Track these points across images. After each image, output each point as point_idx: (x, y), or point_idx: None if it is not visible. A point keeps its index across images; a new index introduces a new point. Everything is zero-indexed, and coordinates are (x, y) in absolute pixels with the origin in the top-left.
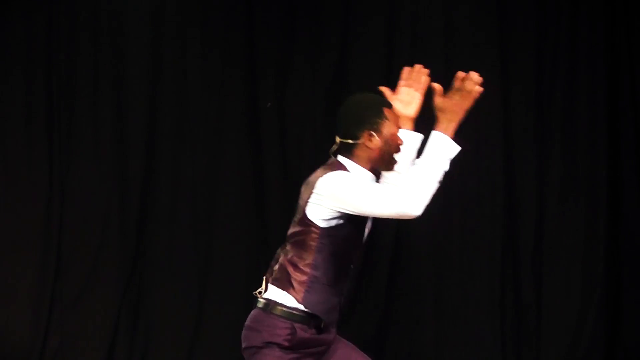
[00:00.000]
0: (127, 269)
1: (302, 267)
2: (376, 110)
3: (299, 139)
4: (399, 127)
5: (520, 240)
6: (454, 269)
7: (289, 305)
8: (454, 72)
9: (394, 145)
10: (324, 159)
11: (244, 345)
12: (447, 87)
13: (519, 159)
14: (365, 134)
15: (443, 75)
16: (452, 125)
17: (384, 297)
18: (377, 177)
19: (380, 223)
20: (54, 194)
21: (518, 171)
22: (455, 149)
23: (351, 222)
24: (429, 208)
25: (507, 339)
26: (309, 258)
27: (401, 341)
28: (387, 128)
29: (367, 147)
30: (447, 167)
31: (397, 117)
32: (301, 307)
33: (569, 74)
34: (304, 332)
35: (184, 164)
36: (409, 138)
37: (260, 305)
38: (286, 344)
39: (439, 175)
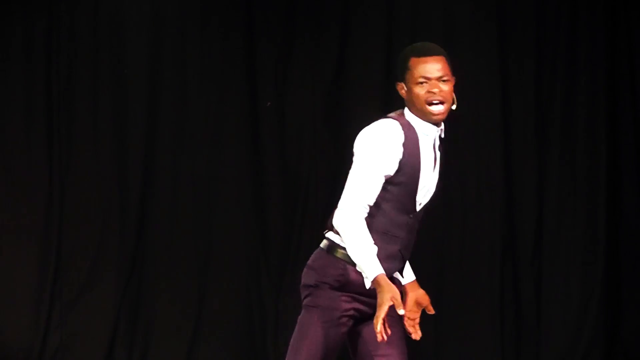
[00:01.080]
0: (127, 269)
1: None
2: (403, 59)
3: (299, 139)
4: (428, 78)
5: (519, 240)
6: (454, 268)
7: (344, 247)
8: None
9: (419, 96)
10: (323, 158)
11: (302, 282)
12: None
13: (519, 159)
14: (398, 85)
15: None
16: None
17: None
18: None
19: None
20: (53, 193)
21: (517, 171)
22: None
23: (402, 177)
24: (429, 209)
25: (506, 338)
26: None
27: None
28: (409, 77)
29: (403, 97)
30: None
31: (422, 72)
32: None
33: (568, 75)
34: (358, 275)
35: (183, 164)
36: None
37: (321, 245)
38: (336, 284)
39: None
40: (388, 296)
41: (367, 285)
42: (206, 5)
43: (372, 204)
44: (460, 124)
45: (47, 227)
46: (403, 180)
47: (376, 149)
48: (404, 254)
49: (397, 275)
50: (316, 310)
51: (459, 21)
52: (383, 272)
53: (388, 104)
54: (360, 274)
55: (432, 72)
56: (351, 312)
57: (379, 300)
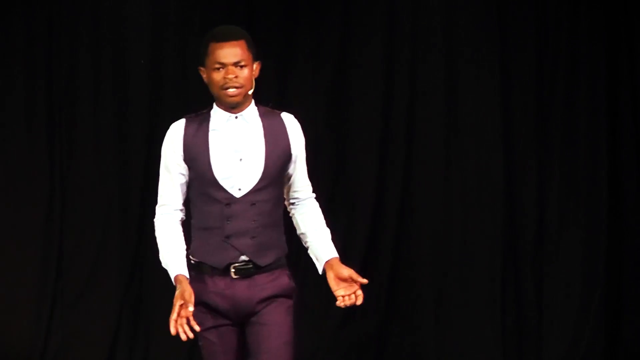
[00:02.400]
0: (128, 269)
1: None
2: (203, 44)
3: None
4: (223, 64)
5: (521, 240)
6: (455, 269)
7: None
8: (454, 73)
9: (215, 81)
10: (324, 158)
11: None
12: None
13: (519, 159)
14: (200, 70)
15: (443, 76)
16: None
17: (385, 297)
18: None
19: (380, 223)
20: (54, 193)
21: (518, 172)
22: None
23: (194, 170)
24: (430, 208)
25: (508, 338)
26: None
27: (402, 340)
28: (208, 62)
29: (206, 82)
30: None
31: (218, 57)
32: (190, 257)
33: (569, 76)
34: (199, 281)
35: None
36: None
37: None
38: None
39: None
40: (176, 296)
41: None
42: (206, 6)
43: (176, 204)
44: (460, 124)
45: (48, 228)
46: (197, 172)
47: (163, 153)
48: (235, 243)
49: (314, 256)
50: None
51: (460, 20)
52: (181, 273)
53: (389, 103)
54: (198, 283)
55: (228, 57)
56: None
57: (178, 293)
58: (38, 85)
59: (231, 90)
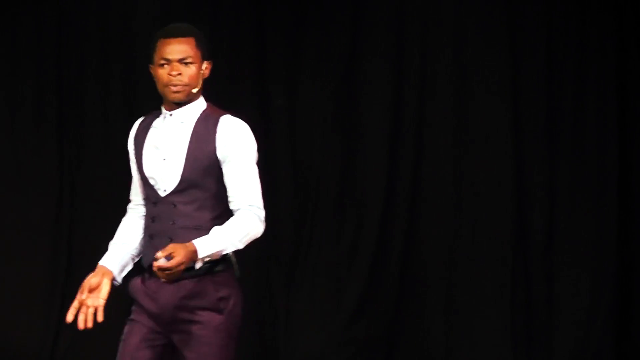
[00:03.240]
0: (137, 265)
1: None
2: (153, 40)
3: (309, 137)
4: (168, 60)
5: (531, 238)
6: (465, 267)
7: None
8: (464, 72)
9: (160, 78)
10: (334, 156)
11: None
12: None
13: (529, 156)
14: (150, 67)
15: (453, 75)
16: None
17: (394, 296)
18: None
19: (390, 222)
20: (64, 191)
21: (528, 169)
22: None
23: (137, 170)
24: (440, 207)
25: (518, 336)
26: None
27: (411, 339)
28: (155, 59)
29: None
30: None
31: (163, 53)
32: None
33: (579, 74)
34: (138, 278)
35: None
36: None
37: None
38: (129, 288)
39: None
40: (83, 282)
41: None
42: (216, 4)
43: (138, 200)
44: (470, 119)
45: (57, 226)
46: (139, 172)
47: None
48: (156, 243)
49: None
50: None
51: (470, 15)
52: (104, 264)
53: (399, 102)
54: (134, 282)
55: (173, 53)
56: (140, 319)
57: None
58: (48, 83)
59: (174, 87)
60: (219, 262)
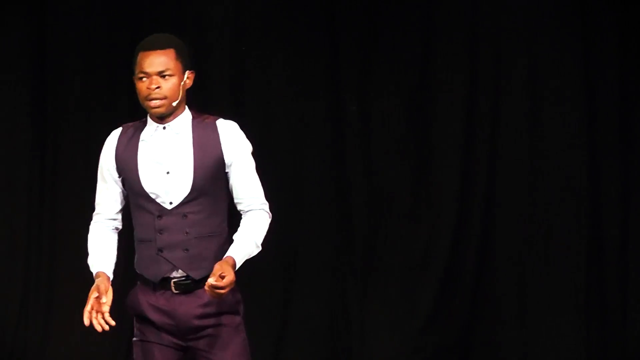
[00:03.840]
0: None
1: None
2: (135, 53)
3: (383, 143)
4: (147, 73)
5: (605, 243)
6: (539, 272)
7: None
8: (537, 75)
9: (139, 91)
10: (408, 162)
11: None
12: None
13: (603, 162)
14: (134, 79)
15: (526, 78)
16: None
17: (468, 302)
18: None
19: (464, 227)
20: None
21: (602, 173)
22: None
23: (126, 181)
24: (514, 212)
25: (592, 342)
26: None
27: (486, 345)
28: (135, 72)
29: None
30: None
31: (142, 66)
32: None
33: None
34: (142, 292)
35: (267, 168)
36: None
37: None
38: (129, 303)
39: None
40: (92, 289)
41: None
42: (288, 8)
43: (109, 213)
44: (544, 126)
45: (130, 233)
46: (128, 184)
47: (100, 161)
48: (168, 255)
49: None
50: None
51: (543, 21)
52: (102, 270)
53: (472, 107)
54: (140, 295)
55: (152, 66)
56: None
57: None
58: (122, 88)
59: (154, 102)
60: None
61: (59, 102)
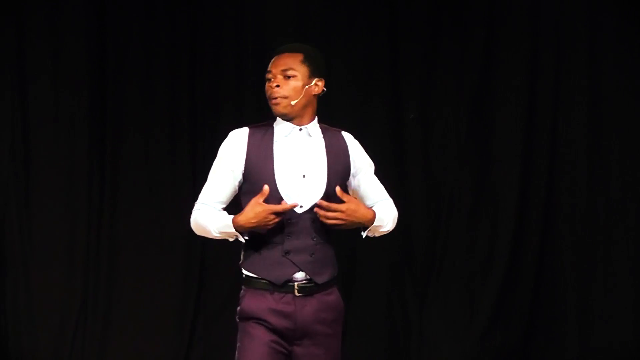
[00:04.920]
0: None
1: None
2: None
3: (443, 148)
4: (271, 72)
5: None
6: (599, 280)
7: (244, 272)
8: (598, 85)
9: (266, 91)
10: (467, 167)
11: None
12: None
13: None
14: None
15: (587, 83)
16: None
17: (528, 308)
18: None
19: (524, 233)
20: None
21: None
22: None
23: (254, 182)
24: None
25: None
26: None
27: (546, 350)
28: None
29: None
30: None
31: (270, 66)
32: (244, 271)
33: None
34: (257, 297)
35: None
36: None
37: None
38: (241, 312)
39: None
40: (256, 210)
41: (242, 239)
42: (350, 14)
43: (216, 206)
44: (604, 131)
45: (190, 239)
46: (257, 185)
47: (221, 157)
48: (294, 259)
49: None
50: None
51: (604, 25)
52: (232, 216)
53: (532, 112)
54: (255, 298)
55: (275, 67)
56: (268, 338)
57: (250, 215)
58: (181, 100)
59: (274, 100)
60: (337, 274)
61: (118, 108)
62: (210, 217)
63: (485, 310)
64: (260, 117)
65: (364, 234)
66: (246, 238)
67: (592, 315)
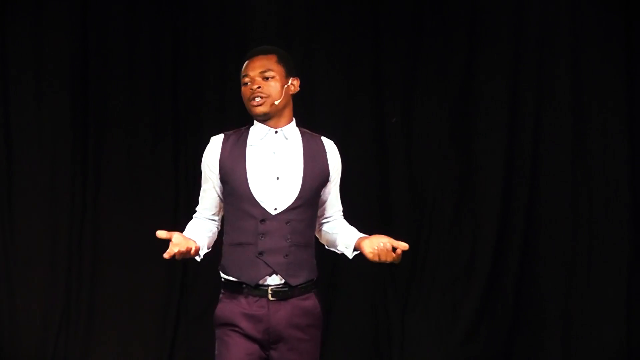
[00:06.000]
0: None
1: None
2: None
3: (425, 153)
4: (249, 76)
5: None
6: (581, 286)
7: (221, 275)
8: (580, 88)
9: (243, 94)
10: (449, 172)
11: None
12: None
13: None
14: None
15: (569, 91)
16: None
17: (510, 314)
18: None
19: (506, 239)
20: (180, 206)
21: None
22: None
23: (230, 186)
24: (556, 224)
25: (633, 356)
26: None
27: (527, 356)
28: (241, 80)
29: None
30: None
31: (245, 70)
32: (221, 274)
33: None
34: (231, 302)
35: None
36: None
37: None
38: (215, 317)
39: None
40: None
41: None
42: (333, 19)
43: (209, 214)
44: (587, 134)
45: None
46: (233, 188)
47: (202, 166)
48: (268, 259)
49: (344, 245)
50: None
51: (586, 28)
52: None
53: (515, 118)
54: (230, 303)
55: (253, 69)
56: (244, 347)
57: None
58: (164, 98)
59: (256, 100)
60: (319, 278)
61: (101, 111)
62: (191, 231)
63: (468, 315)
64: (243, 120)
65: (351, 255)
66: (198, 259)
67: (574, 320)
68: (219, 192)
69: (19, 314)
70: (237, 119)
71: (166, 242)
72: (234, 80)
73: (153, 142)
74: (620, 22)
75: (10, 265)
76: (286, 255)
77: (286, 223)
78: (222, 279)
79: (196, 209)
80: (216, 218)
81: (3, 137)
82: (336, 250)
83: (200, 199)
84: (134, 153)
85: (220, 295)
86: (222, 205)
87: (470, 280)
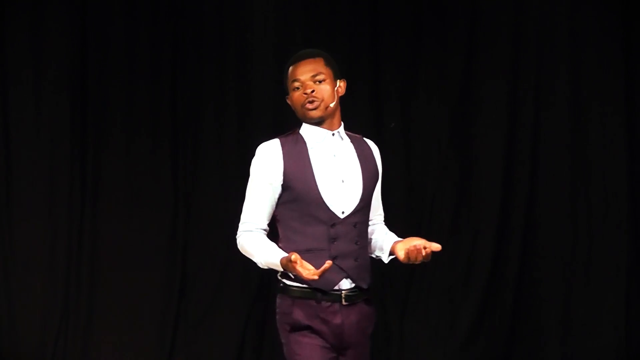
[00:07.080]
0: (254, 290)
1: (279, 244)
2: (284, 72)
3: (424, 157)
4: (300, 80)
5: None
6: (581, 289)
7: (287, 282)
8: (580, 91)
9: (296, 100)
10: (448, 176)
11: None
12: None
13: None
14: (287, 99)
15: (568, 94)
16: None
17: (510, 317)
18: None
19: (505, 242)
20: (178, 214)
21: None
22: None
23: (295, 191)
24: (555, 228)
25: (633, 353)
26: (280, 233)
27: (528, 356)
28: (288, 86)
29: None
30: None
31: (294, 75)
32: (286, 280)
33: None
34: (305, 306)
35: None
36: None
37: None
38: (293, 323)
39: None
40: (305, 273)
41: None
42: (330, 23)
43: (261, 224)
44: (587, 137)
45: (171, 249)
46: (298, 193)
47: (256, 173)
48: (341, 264)
49: (379, 254)
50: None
51: (585, 32)
52: (282, 256)
53: (514, 122)
54: (304, 308)
55: (303, 73)
56: (318, 343)
57: (299, 271)
58: (163, 99)
59: (311, 104)
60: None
61: (100, 116)
62: (257, 247)
63: (467, 319)
64: (243, 122)
65: (387, 260)
66: (293, 276)
67: (574, 324)
68: (276, 199)
69: (18, 319)
70: (236, 123)
71: (165, 248)
72: (233, 84)
73: (152, 146)
74: (619, 23)
75: (9, 270)
76: (356, 259)
77: (354, 226)
78: (283, 285)
79: (246, 220)
80: (267, 228)
81: (2, 142)
82: (372, 256)
83: (251, 210)
84: (133, 157)
85: (280, 300)
86: (272, 213)
87: (469, 284)
